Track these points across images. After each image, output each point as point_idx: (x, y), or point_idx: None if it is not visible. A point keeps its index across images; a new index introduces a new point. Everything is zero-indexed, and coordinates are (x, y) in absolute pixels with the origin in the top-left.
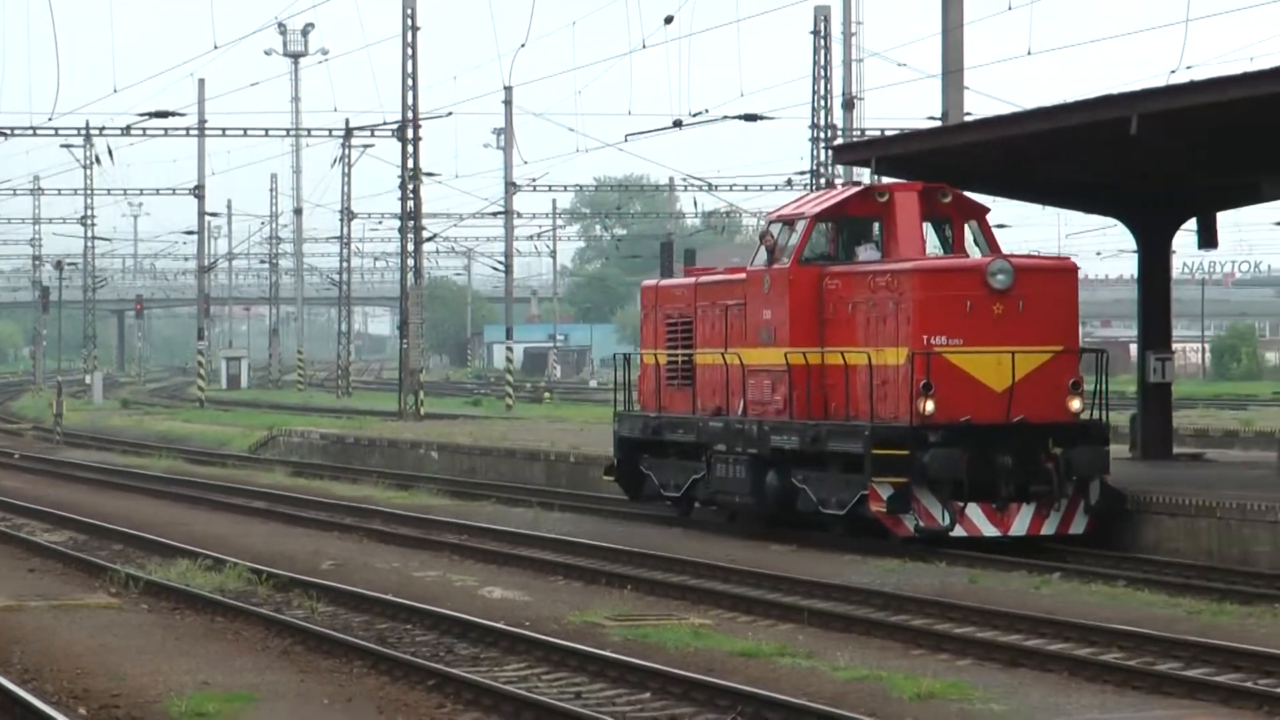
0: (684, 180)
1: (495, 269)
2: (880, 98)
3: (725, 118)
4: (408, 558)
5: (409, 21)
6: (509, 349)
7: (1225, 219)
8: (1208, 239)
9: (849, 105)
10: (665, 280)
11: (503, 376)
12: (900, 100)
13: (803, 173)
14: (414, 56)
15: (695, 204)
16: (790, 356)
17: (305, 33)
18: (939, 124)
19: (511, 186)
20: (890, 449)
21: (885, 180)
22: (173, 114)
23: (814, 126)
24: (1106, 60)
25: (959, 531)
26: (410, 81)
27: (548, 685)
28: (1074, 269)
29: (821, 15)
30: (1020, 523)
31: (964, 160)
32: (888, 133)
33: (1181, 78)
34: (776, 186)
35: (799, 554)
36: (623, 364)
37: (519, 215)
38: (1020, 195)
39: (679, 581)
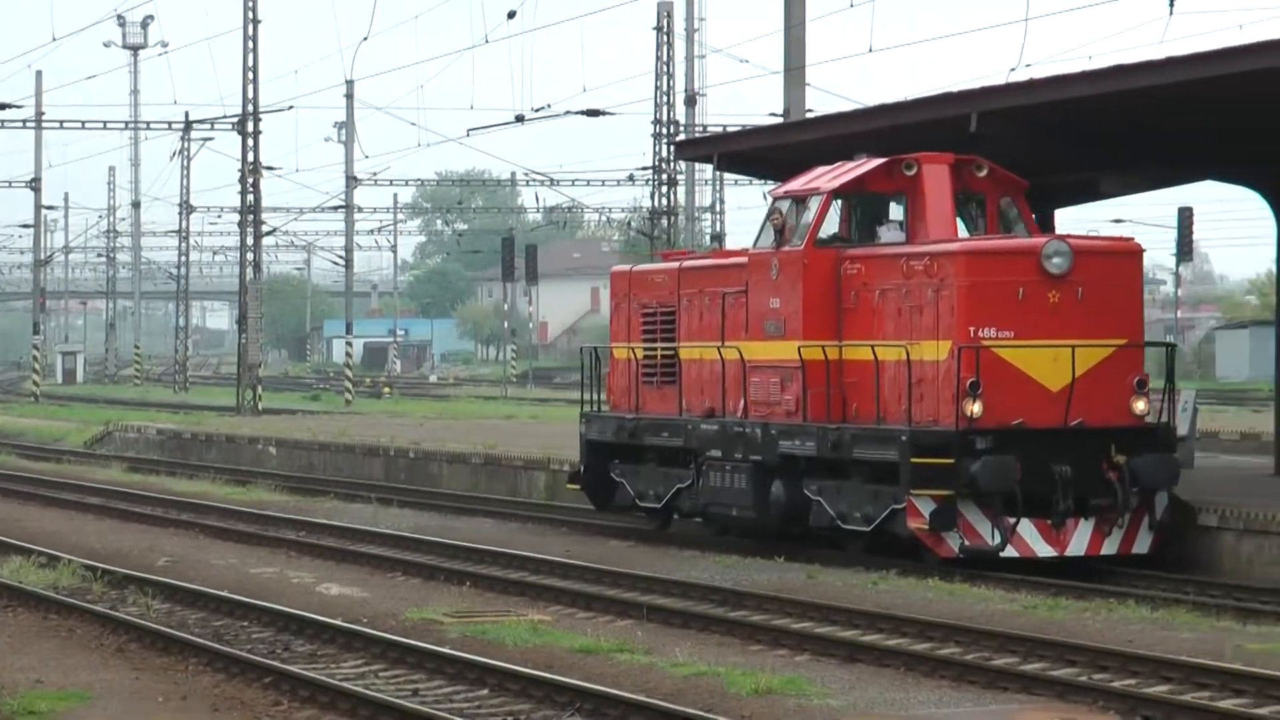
0: (526, 175)
1: (335, 263)
2: (723, 94)
3: (568, 113)
4: (245, 554)
5: (250, 14)
6: (348, 344)
7: (1066, 215)
8: None
9: (691, 101)
10: (641, 265)
11: (342, 371)
12: (743, 96)
13: (645, 168)
14: (255, 50)
15: (537, 199)
16: (805, 351)
17: (145, 25)
18: (781, 120)
19: (352, 181)
20: (932, 457)
21: (914, 153)
22: (9, 106)
23: (656, 122)
24: (948, 58)
25: (1009, 551)
26: (251, 75)
27: (385, 682)
28: (1139, 251)
29: (664, 11)
30: (1079, 541)
31: (806, 157)
32: (730, 129)
33: (1021, 75)
34: (619, 182)
35: (638, 549)
36: (590, 359)
37: (360, 209)
38: None
39: (518, 578)
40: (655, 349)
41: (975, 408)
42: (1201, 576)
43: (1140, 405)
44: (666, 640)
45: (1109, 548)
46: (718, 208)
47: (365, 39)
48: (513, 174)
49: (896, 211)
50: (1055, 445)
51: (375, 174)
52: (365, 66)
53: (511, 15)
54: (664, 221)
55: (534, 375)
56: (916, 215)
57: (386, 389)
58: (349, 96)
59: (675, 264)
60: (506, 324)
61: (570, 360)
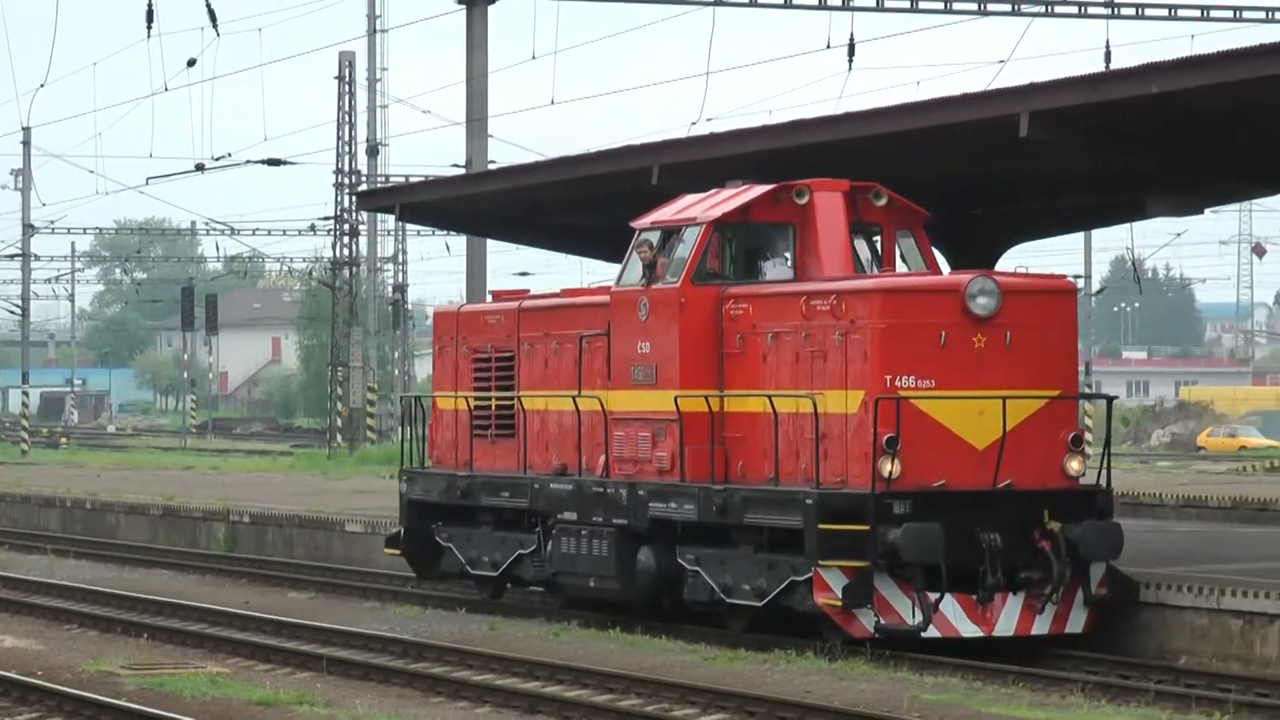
0: (206, 224)
1: (12, 313)
2: (406, 144)
3: (248, 162)
4: None
5: None
6: (24, 393)
7: None
8: None
9: (373, 151)
10: (471, 305)
11: (18, 421)
12: (426, 147)
13: (326, 218)
14: None
15: (218, 248)
16: (683, 401)
17: None
18: (463, 171)
19: (29, 229)
20: (842, 523)
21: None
22: None
23: (338, 172)
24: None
25: (931, 631)
26: None
27: None
28: (1073, 289)
29: (346, 60)
30: (1007, 619)
31: (489, 207)
32: (413, 179)
33: (702, 129)
34: (300, 232)
35: (319, 600)
36: (411, 410)
37: (37, 258)
38: (545, 243)
39: (197, 630)
40: (489, 399)
41: (893, 467)
42: (1146, 660)
43: (1075, 465)
44: (347, 692)
45: (1040, 626)
46: (400, 258)
47: (42, 85)
48: (193, 223)
49: (782, 245)
50: (982, 510)
51: (53, 222)
52: (42, 113)
53: (191, 63)
54: (345, 272)
55: (214, 426)
56: (807, 249)
57: (63, 439)
58: (25, 144)
59: (514, 304)
60: (186, 374)
61: (251, 410)
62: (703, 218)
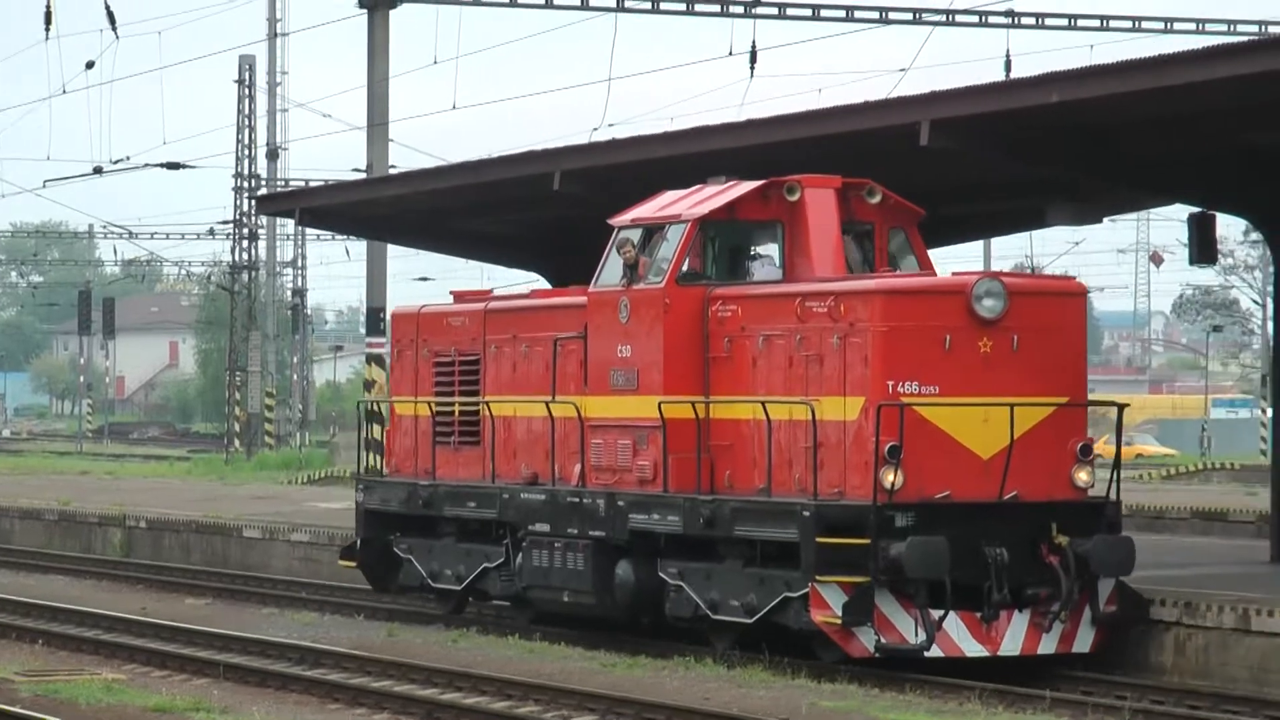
0: (104, 228)
1: None
2: (307, 148)
3: (147, 165)
4: None
5: None
6: None
7: None
8: None
9: (273, 155)
10: (433, 306)
11: None
12: (327, 151)
13: (226, 222)
14: None
15: (115, 252)
16: (667, 408)
17: None
18: (364, 176)
19: None
20: (841, 536)
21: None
22: None
23: (238, 176)
24: (533, 115)
25: (935, 651)
26: None
27: None
28: (1083, 291)
29: (246, 64)
30: (1013, 638)
31: (389, 212)
32: (313, 183)
33: (604, 135)
34: (199, 235)
35: (215, 606)
36: (368, 416)
37: None
38: (446, 249)
39: (93, 636)
40: (452, 404)
41: (896, 478)
42: (1151, 680)
43: (1083, 476)
44: (244, 699)
45: (1047, 645)
46: (300, 263)
47: None
48: (90, 226)
49: (769, 244)
50: (987, 523)
51: None
52: None
53: (90, 65)
54: (244, 276)
55: (110, 430)
56: (797, 248)
57: None
58: None
59: (479, 305)
60: (82, 378)
61: (148, 415)
62: (687, 215)
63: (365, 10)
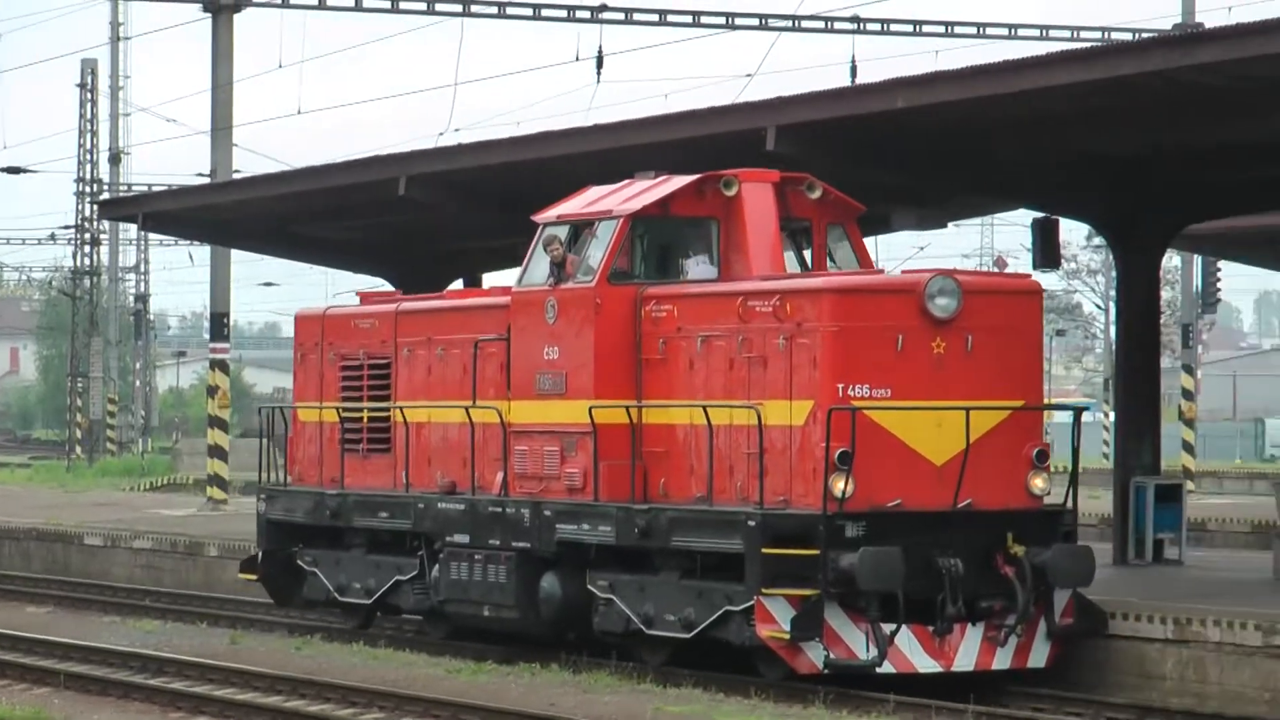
0: None
1: None
2: (151, 153)
3: None
4: None
5: None
6: None
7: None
8: None
9: (116, 159)
10: (339, 308)
11: None
12: (171, 156)
13: (67, 227)
14: None
15: None
16: (599, 413)
17: None
18: (208, 181)
19: None
20: (790, 548)
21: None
22: None
23: (80, 180)
24: (379, 119)
25: (886, 667)
26: None
27: None
28: (1039, 290)
29: (89, 68)
30: (966, 654)
31: (233, 217)
32: (156, 188)
33: (450, 140)
34: (40, 240)
35: (56, 614)
36: (271, 421)
37: None
38: (292, 254)
39: None
40: (361, 410)
41: (846, 485)
42: (1109, 697)
43: (1039, 483)
44: (85, 708)
45: (1001, 661)
46: (142, 268)
47: None
48: None
49: (704, 241)
50: (941, 533)
51: None
52: None
53: None
54: (86, 282)
55: None
56: (733, 246)
57: None
58: None
59: (391, 306)
60: None
61: None
62: (619, 211)
63: (209, 14)
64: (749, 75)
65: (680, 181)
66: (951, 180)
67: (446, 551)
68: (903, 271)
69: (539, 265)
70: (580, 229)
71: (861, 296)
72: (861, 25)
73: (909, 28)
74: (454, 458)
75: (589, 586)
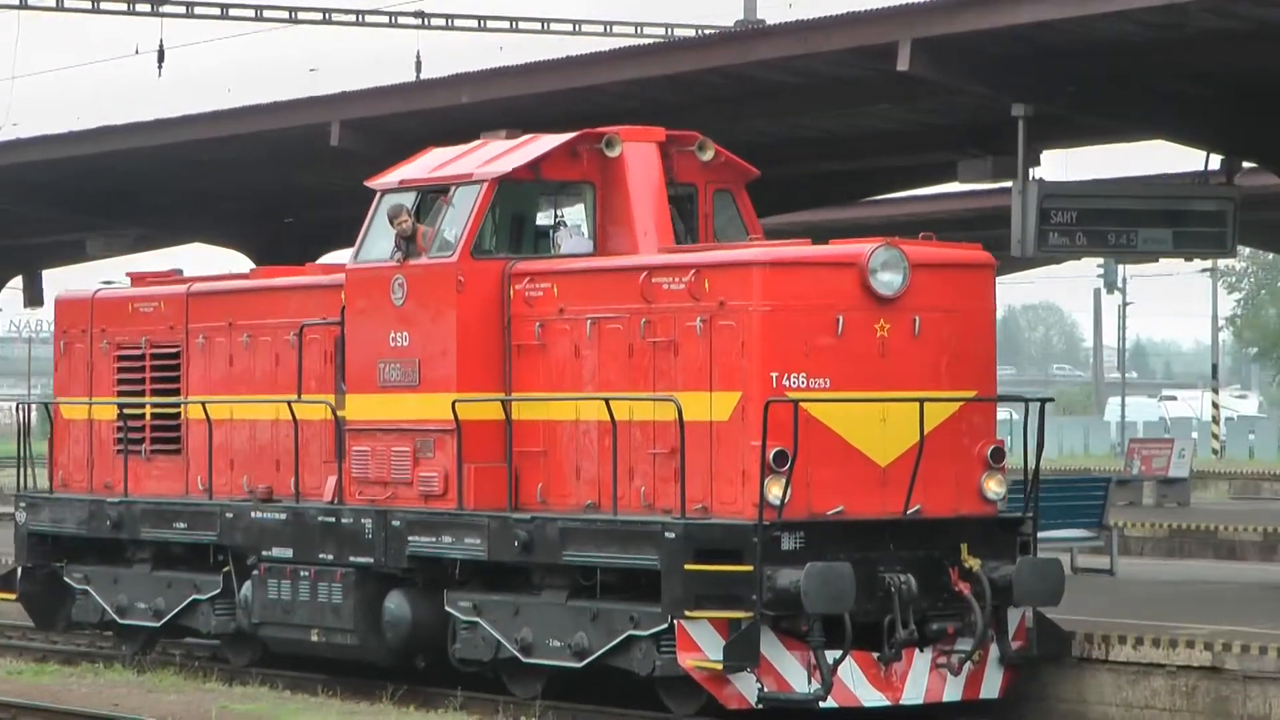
0: None
1: None
2: None
3: None
4: None
5: None
6: None
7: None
8: (33, 297)
9: None
10: (112, 290)
11: None
12: None
13: None
14: None
15: None
16: (464, 408)
17: None
18: None
19: None
20: (712, 563)
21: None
22: None
23: None
24: None
25: (829, 701)
26: None
27: None
28: (992, 263)
29: None
30: (915, 684)
31: None
32: None
33: (10, 134)
34: None
35: None
36: (29, 420)
37: None
38: None
39: None
40: (143, 406)
41: (782, 491)
42: None
43: (993, 486)
44: None
45: (952, 692)
46: None
47: None
48: None
49: (577, 210)
50: (888, 545)
51: None
52: None
53: None
54: None
55: None
56: (613, 216)
57: None
58: None
59: (180, 288)
60: None
61: None
62: (482, 174)
63: None
64: (314, 70)
65: (552, 141)
66: None
67: (264, 567)
68: (831, 242)
69: (380, 239)
70: (431, 194)
71: (798, 271)
72: (426, 20)
73: (474, 23)
74: (265, 460)
75: (447, 608)
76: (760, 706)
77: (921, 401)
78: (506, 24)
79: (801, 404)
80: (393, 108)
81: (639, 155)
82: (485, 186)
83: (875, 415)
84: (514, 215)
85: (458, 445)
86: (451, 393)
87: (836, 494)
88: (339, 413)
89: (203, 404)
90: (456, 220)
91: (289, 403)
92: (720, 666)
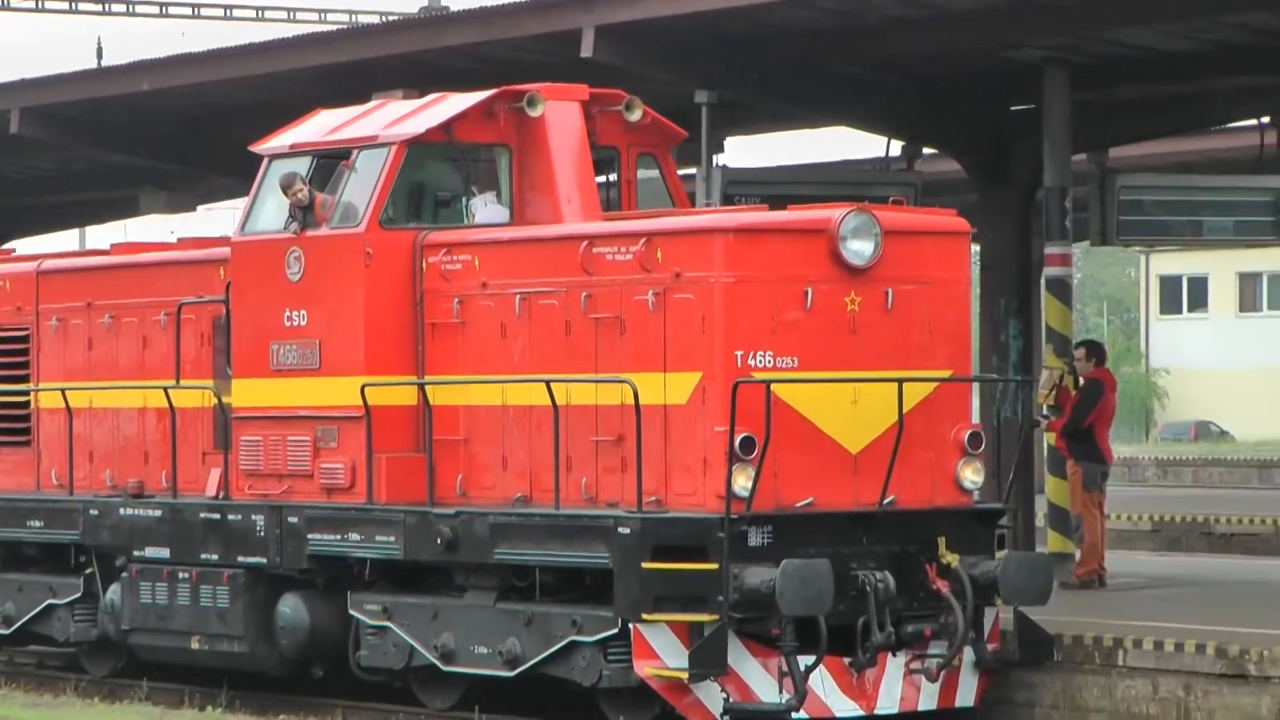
0: None
1: None
2: None
3: None
4: None
5: None
6: None
7: None
8: None
9: None
10: None
11: None
12: None
13: None
14: None
15: None
16: (374, 393)
17: None
18: None
19: None
20: (669, 560)
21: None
22: None
23: None
24: None
25: (799, 713)
26: None
27: None
28: (968, 230)
29: None
30: (889, 693)
31: None
32: None
33: None
34: None
35: None
36: None
37: None
38: None
39: None
40: None
41: (748, 480)
42: None
43: (970, 474)
44: None
45: (927, 700)
46: None
47: None
48: None
49: (491, 176)
50: (861, 539)
51: None
52: None
53: None
54: None
55: None
56: (531, 182)
57: None
58: None
59: (29, 266)
60: None
61: None
62: (389, 136)
63: None
64: None
65: (466, 100)
66: (197, 163)
67: (134, 570)
68: (790, 208)
69: (269, 209)
70: (329, 159)
71: (764, 238)
72: (107, 6)
73: (155, 9)
74: (132, 453)
75: (351, 612)
76: (726, 718)
77: (900, 381)
78: (189, 10)
79: (767, 384)
80: (73, 95)
81: (561, 115)
82: (394, 149)
83: (845, 397)
84: (423, 182)
85: (367, 434)
86: (359, 376)
87: (806, 484)
88: (224, 399)
89: (62, 391)
90: (361, 187)
91: (165, 389)
92: (685, 675)
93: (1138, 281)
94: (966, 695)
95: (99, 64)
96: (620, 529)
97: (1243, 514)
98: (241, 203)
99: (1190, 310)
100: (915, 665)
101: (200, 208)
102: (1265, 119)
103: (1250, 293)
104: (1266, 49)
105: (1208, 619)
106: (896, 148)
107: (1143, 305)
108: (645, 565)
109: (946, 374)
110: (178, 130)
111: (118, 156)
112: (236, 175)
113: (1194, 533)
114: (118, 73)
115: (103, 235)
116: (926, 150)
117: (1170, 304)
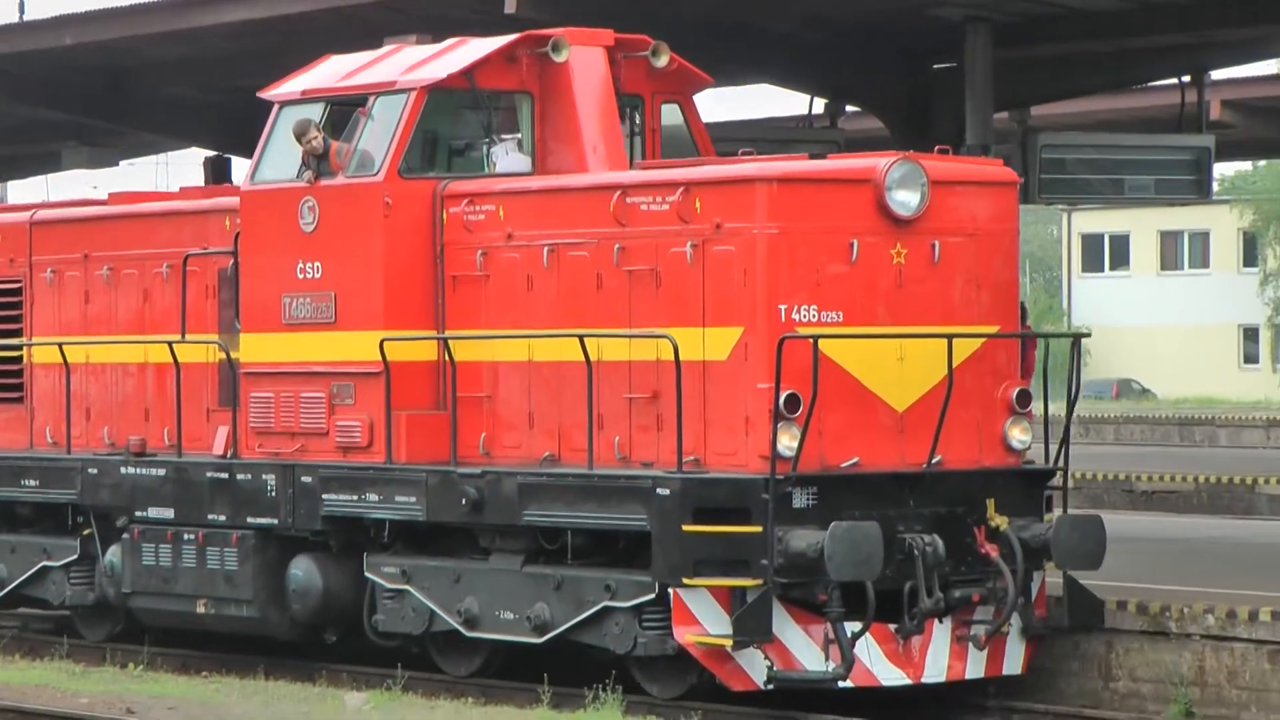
0: None
1: None
2: None
3: None
4: None
5: None
6: None
7: None
8: None
9: None
10: None
11: None
12: None
13: None
14: None
15: None
16: (393, 348)
17: None
18: None
19: None
20: (710, 523)
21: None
22: None
23: None
24: None
25: (845, 681)
26: None
27: None
28: (1016, 181)
29: None
30: (935, 660)
31: None
32: None
33: None
34: None
35: None
36: None
37: None
38: None
39: None
40: None
41: (792, 440)
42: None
43: (1019, 434)
44: None
45: (974, 668)
46: None
47: None
48: None
49: (512, 124)
50: (908, 501)
51: None
52: None
53: None
54: None
55: None
56: (555, 131)
57: None
58: None
59: (22, 216)
60: None
61: None
62: (409, 82)
63: None
64: None
65: (488, 44)
66: (120, 118)
67: (136, 531)
68: (831, 156)
69: (280, 157)
70: (344, 105)
71: (808, 188)
72: None
73: None
74: (132, 410)
75: (367, 574)
76: (769, 687)
77: (950, 337)
78: None
79: (811, 339)
80: None
81: (585, 61)
82: (414, 95)
83: (892, 354)
84: (442, 129)
85: (386, 390)
86: (377, 330)
87: (851, 444)
88: (231, 354)
89: (59, 345)
90: (379, 135)
91: (170, 343)
92: (729, 642)
93: (1060, 240)
94: (1014, 663)
95: (21, 18)
96: (659, 490)
97: (1164, 471)
98: (161, 158)
99: (1112, 268)
100: (962, 633)
101: (123, 162)
102: (1186, 78)
103: (1171, 251)
104: (1187, 7)
105: (1128, 576)
106: (820, 105)
107: (1065, 263)
108: (686, 528)
109: (994, 329)
110: (100, 85)
111: (40, 111)
112: (159, 131)
113: (1115, 490)
114: (40, 26)
115: (24, 190)
116: (850, 108)
117: (1092, 262)
